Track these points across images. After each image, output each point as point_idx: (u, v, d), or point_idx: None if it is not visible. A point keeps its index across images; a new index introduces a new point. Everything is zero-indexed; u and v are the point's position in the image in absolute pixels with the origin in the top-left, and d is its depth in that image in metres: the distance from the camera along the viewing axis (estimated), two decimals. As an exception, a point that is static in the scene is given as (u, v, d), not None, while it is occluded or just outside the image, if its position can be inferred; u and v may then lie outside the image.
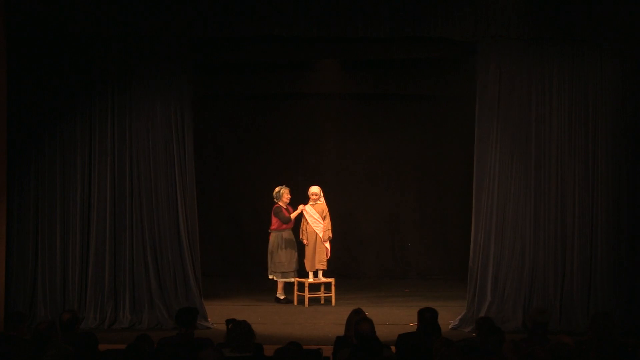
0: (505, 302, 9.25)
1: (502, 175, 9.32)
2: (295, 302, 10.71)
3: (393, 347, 6.26)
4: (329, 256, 10.72)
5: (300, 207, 10.67)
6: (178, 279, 9.38)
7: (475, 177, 9.45)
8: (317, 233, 10.65)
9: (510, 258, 9.30)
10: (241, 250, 13.23)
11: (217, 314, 9.35)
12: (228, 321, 6.08)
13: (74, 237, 9.30)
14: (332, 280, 10.70)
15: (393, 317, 9.68)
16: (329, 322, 9.42)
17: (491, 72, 9.27)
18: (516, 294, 9.25)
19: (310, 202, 10.73)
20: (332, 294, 10.67)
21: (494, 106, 9.29)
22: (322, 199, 10.74)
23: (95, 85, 9.33)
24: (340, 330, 6.67)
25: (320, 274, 10.74)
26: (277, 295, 10.74)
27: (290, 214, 10.67)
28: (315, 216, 10.67)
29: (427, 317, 6.34)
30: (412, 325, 6.78)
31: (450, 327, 9.18)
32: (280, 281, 10.70)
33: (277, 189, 10.80)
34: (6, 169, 9.17)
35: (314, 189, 10.75)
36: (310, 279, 10.70)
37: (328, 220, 10.71)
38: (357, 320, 6.01)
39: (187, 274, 9.39)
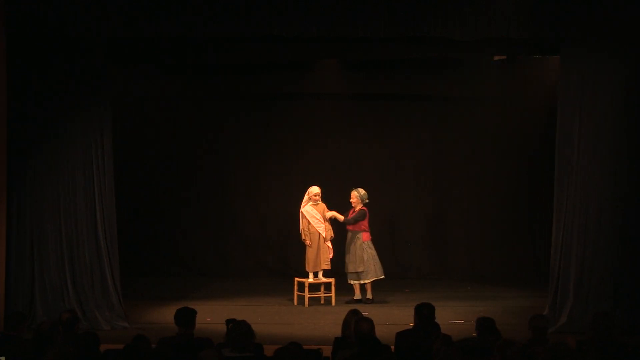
0: (589, 303, 9.04)
1: (584, 174, 9.16)
2: (295, 302, 10.71)
3: (392, 347, 6.26)
4: (332, 255, 10.73)
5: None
6: (95, 278, 9.37)
7: (556, 176, 9.33)
8: (319, 233, 10.65)
9: (593, 258, 9.13)
10: (241, 250, 13.22)
11: (217, 314, 9.34)
12: (228, 321, 6.08)
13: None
14: (332, 280, 10.70)
15: (393, 317, 9.69)
16: (329, 322, 9.41)
17: (574, 72, 9.18)
18: (600, 295, 9.07)
19: (311, 203, 10.72)
20: (332, 294, 10.67)
21: (576, 106, 9.16)
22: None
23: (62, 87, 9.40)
24: (340, 331, 6.66)
25: (320, 274, 10.74)
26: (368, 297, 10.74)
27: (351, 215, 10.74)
28: (318, 216, 10.67)
29: (425, 314, 6.33)
30: (412, 325, 6.78)
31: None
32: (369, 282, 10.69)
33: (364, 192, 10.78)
34: (6, 169, 9.17)
35: (317, 190, 10.75)
36: (310, 279, 10.70)
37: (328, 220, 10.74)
38: (357, 319, 6.00)
39: (104, 274, 9.38)
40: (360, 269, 10.59)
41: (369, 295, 10.69)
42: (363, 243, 10.62)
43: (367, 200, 10.73)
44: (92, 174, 9.39)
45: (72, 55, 9.24)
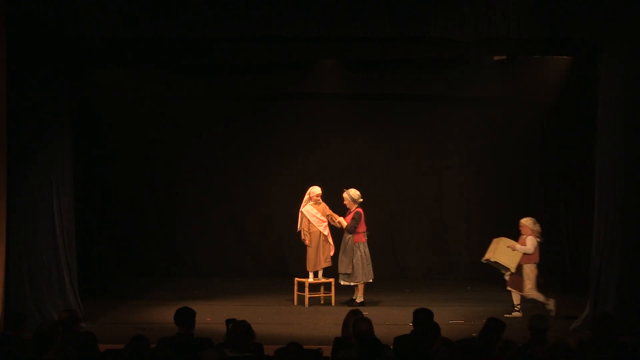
0: (631, 304, 8.97)
1: (626, 175, 9.12)
2: (295, 302, 10.71)
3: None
4: (332, 252, 10.73)
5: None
6: (52, 279, 9.35)
7: (597, 177, 9.33)
8: (320, 232, 10.65)
9: (636, 259, 9.05)
10: (241, 250, 13.22)
11: (217, 314, 9.35)
12: (228, 321, 6.08)
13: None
14: (332, 280, 10.70)
15: (393, 317, 9.69)
16: (329, 322, 9.42)
17: (617, 71, 9.14)
18: None
19: (312, 203, 10.72)
20: (332, 294, 10.67)
21: (619, 106, 9.14)
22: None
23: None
24: (340, 331, 6.67)
25: (320, 273, 10.74)
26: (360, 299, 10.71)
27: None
28: (318, 215, 10.68)
29: (422, 318, 6.36)
30: (412, 325, 6.81)
31: (571, 328, 9.04)
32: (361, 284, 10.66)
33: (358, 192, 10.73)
34: (6, 168, 9.17)
35: (318, 190, 10.74)
36: (310, 279, 10.70)
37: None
38: (355, 320, 6.01)
39: (61, 274, 9.39)
40: (348, 271, 10.57)
41: (359, 299, 10.63)
42: (354, 245, 10.59)
43: (361, 200, 10.70)
44: (50, 177, 9.36)
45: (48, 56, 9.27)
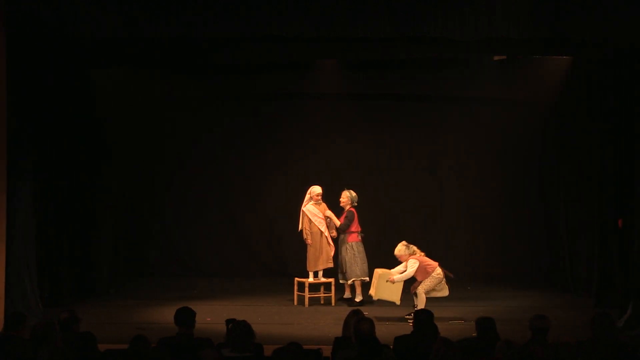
0: None
1: None
2: (295, 302, 10.71)
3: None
4: (332, 252, 10.75)
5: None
6: (11, 281, 9.29)
7: (636, 179, 9.29)
8: (321, 231, 10.66)
9: None
10: (241, 250, 13.22)
11: (217, 314, 9.35)
12: (228, 321, 6.09)
13: None
14: (332, 280, 10.71)
15: (393, 317, 9.68)
16: (329, 322, 9.42)
17: None
18: None
19: (313, 202, 10.73)
20: (332, 294, 10.67)
21: None
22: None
23: None
24: (340, 331, 6.67)
25: (320, 273, 10.74)
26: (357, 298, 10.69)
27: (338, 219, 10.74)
28: (319, 215, 10.68)
29: (423, 319, 6.37)
30: (412, 325, 6.82)
31: None
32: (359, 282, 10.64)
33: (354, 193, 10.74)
34: (6, 169, 9.17)
35: (319, 190, 10.75)
36: (311, 279, 10.70)
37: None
38: (357, 319, 6.00)
39: (21, 277, 9.33)
40: (343, 270, 10.59)
41: (357, 297, 10.64)
42: (347, 244, 10.60)
43: (356, 203, 10.72)
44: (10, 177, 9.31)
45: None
